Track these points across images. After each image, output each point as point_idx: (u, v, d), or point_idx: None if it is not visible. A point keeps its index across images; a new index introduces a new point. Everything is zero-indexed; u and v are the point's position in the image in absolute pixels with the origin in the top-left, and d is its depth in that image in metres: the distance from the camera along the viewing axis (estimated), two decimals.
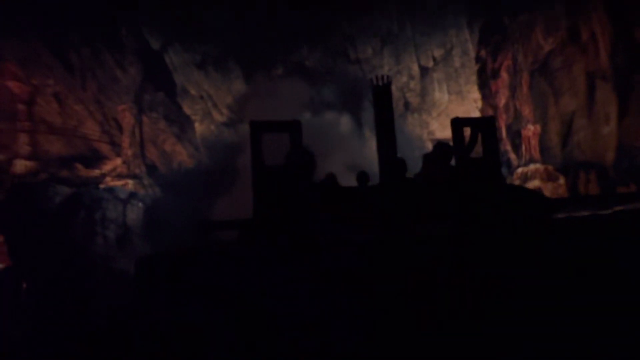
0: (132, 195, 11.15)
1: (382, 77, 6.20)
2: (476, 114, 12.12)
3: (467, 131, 6.01)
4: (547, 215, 5.53)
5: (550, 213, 5.67)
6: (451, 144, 5.98)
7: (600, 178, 8.72)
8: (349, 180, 6.06)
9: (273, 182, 5.44)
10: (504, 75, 10.80)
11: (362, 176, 5.94)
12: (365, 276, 4.05)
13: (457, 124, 5.99)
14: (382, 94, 6.15)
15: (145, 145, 12.83)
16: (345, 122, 12.07)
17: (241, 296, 3.98)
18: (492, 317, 3.87)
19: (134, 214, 10.82)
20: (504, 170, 10.99)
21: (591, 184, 8.63)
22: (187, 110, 13.69)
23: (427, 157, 6.24)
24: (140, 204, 11.02)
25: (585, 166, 9.09)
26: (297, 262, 4.16)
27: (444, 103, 13.26)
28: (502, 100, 11.10)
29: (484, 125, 6.10)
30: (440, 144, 6.26)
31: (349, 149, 10.85)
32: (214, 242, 5.40)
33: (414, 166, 6.31)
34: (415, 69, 14.12)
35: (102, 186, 11.08)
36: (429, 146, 12.45)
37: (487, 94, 11.74)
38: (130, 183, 11.71)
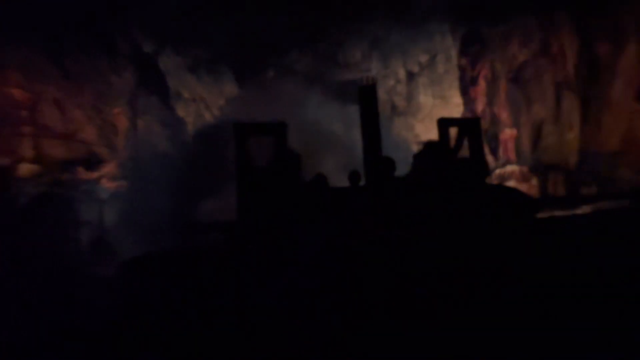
0: (115, 195, 11.30)
1: (368, 78, 6.42)
2: None
3: (451, 132, 6.05)
4: (532, 215, 5.67)
5: (535, 213, 5.79)
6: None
7: (567, 180, 9.60)
8: (344, 182, 6.10)
9: (258, 184, 5.40)
10: (482, 83, 11.68)
11: (354, 176, 5.87)
12: (352, 278, 4.09)
13: (444, 124, 6.11)
14: (368, 94, 6.26)
15: (139, 147, 13.29)
16: (336, 122, 12.42)
17: (230, 299, 4.01)
18: (477, 318, 3.87)
19: (114, 215, 10.83)
20: None
21: (559, 185, 9.50)
22: (180, 112, 14.23)
23: (416, 157, 6.35)
24: (123, 204, 11.08)
25: (553, 168, 9.98)
26: (283, 265, 4.17)
27: (429, 107, 14.04)
28: (480, 107, 11.93)
29: (470, 126, 6.25)
30: (430, 143, 6.40)
31: (342, 150, 11.07)
32: (200, 244, 5.48)
33: (400, 168, 6.43)
34: (402, 74, 14.89)
35: (84, 187, 11.10)
36: (414, 149, 13.07)
37: (467, 100, 12.59)
38: (125, 184, 12.15)
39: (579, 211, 7.60)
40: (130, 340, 4.00)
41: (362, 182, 5.90)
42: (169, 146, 13.25)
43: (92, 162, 11.31)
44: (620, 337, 3.61)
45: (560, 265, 4.12)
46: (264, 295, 4.01)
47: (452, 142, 6.21)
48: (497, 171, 11.68)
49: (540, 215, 5.91)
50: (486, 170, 6.51)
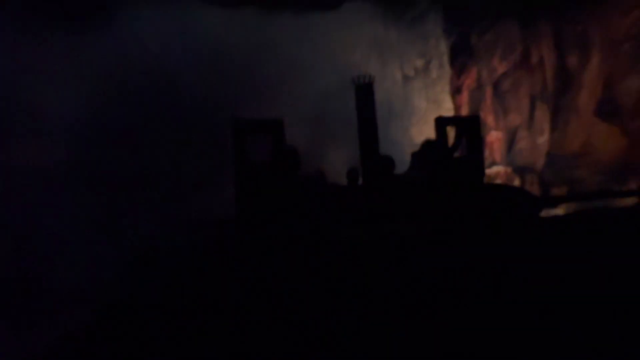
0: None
1: (365, 76, 6.29)
2: None
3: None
4: (535, 214, 5.90)
5: (538, 211, 6.03)
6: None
7: (540, 181, 10.97)
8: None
9: (257, 181, 5.48)
10: (465, 93, 13.06)
11: (352, 173, 6.11)
12: (350, 276, 4.13)
13: (441, 123, 6.15)
14: (364, 91, 6.23)
15: None
16: (339, 119, 12.39)
17: (229, 297, 4.05)
18: (476, 319, 3.84)
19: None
20: None
21: (534, 186, 10.84)
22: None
23: (415, 156, 6.54)
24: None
25: (526, 170, 11.40)
26: (282, 261, 4.26)
27: (423, 110, 15.30)
28: (464, 114, 13.28)
29: (469, 125, 6.39)
30: (428, 142, 6.38)
31: (346, 146, 10.97)
32: (198, 241, 5.20)
33: (397, 170, 6.63)
34: (399, 76, 16.13)
35: None
36: (408, 151, 14.14)
37: (455, 107, 13.93)
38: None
39: (558, 211, 8.38)
40: (130, 339, 4.03)
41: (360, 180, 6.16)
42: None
43: None
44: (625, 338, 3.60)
45: (565, 265, 4.10)
46: (262, 293, 4.11)
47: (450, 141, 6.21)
48: (485, 172, 12.96)
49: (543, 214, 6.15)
50: (484, 169, 6.61)
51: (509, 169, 12.32)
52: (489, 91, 12.70)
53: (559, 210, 8.13)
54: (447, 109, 14.55)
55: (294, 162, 5.86)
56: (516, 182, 11.79)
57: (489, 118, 12.72)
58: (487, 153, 12.93)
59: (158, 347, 3.86)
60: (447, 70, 14.93)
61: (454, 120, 7.12)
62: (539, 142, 10.55)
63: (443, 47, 15.26)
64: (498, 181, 12.45)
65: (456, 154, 6.36)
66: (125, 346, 3.89)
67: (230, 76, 10.77)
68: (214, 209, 6.16)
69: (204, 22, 10.31)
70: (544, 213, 6.67)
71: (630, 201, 7.44)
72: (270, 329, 3.85)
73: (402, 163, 7.04)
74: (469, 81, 12.88)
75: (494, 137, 12.75)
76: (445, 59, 14.97)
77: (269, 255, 4.44)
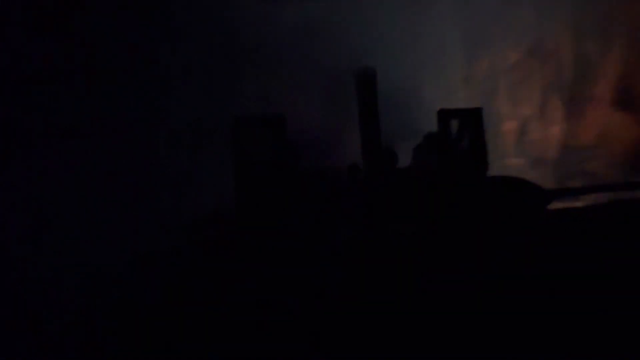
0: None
1: (366, 68, 6.40)
2: None
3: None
4: (543, 207, 6.08)
5: (547, 204, 6.21)
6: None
7: (554, 173, 10.83)
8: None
9: (258, 178, 5.47)
10: (477, 82, 12.83)
11: (353, 169, 6.19)
12: (350, 277, 4.21)
13: (444, 115, 6.40)
14: (366, 83, 6.34)
15: None
16: (344, 111, 13.36)
17: (230, 297, 4.13)
18: (480, 317, 3.88)
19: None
20: None
21: (548, 178, 10.69)
22: None
23: (417, 149, 6.72)
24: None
25: (539, 162, 11.27)
26: (282, 261, 4.34)
27: (432, 100, 15.09)
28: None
29: (472, 117, 6.52)
30: (430, 135, 6.52)
31: (352, 139, 11.91)
32: (198, 240, 5.27)
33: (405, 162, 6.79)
34: (409, 65, 15.90)
35: None
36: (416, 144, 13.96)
37: (466, 96, 13.73)
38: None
39: (578, 204, 8.25)
40: (130, 339, 4.08)
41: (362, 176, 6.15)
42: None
43: None
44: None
45: (575, 261, 4.15)
46: (262, 292, 4.12)
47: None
48: (497, 163, 12.79)
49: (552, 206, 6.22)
50: (487, 162, 6.73)
51: (522, 161, 12.16)
52: (502, 80, 12.52)
53: (579, 203, 8.07)
54: (459, 99, 14.34)
55: (294, 156, 5.92)
56: (531, 175, 11.64)
57: (502, 108, 12.55)
58: (500, 144, 12.77)
59: (158, 347, 3.95)
60: (459, 58, 14.68)
61: (457, 112, 6.92)
62: (551, 133, 10.43)
63: (454, 34, 14.99)
64: (512, 173, 12.29)
65: (460, 146, 6.45)
66: (126, 346, 4.02)
67: (230, 66, 10.87)
68: (214, 208, 6.05)
69: None
70: (560, 205, 6.77)
71: None
72: (270, 328, 3.97)
73: (409, 156, 7.03)
74: (480, 69, 12.70)
75: (508, 128, 12.59)
76: (458, 45, 14.73)
77: (269, 255, 4.54)
